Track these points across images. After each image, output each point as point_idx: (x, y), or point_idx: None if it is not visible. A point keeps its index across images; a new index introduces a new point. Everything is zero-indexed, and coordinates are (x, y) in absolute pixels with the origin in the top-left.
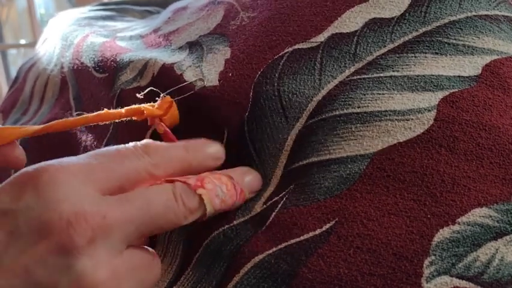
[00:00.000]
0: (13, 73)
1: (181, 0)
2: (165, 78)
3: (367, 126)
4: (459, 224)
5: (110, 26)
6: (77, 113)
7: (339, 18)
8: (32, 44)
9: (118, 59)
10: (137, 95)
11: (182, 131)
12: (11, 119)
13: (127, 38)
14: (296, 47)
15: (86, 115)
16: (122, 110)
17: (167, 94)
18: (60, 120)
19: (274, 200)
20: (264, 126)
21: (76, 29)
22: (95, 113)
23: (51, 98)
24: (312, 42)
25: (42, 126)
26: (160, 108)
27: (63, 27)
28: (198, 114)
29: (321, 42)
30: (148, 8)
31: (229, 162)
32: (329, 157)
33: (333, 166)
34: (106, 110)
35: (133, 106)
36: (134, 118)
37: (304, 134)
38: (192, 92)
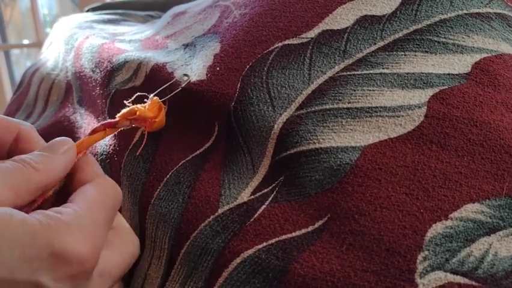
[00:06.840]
0: (16, 73)
1: (181, 5)
2: (157, 77)
3: (358, 122)
4: (452, 219)
5: (111, 29)
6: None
7: (330, 14)
8: (35, 44)
9: (114, 60)
10: (126, 102)
11: (176, 128)
12: None
13: (126, 41)
14: (286, 42)
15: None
16: (117, 117)
17: (157, 93)
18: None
19: (263, 191)
20: (250, 115)
21: (76, 32)
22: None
23: (56, 101)
24: (303, 38)
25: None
26: (151, 110)
27: (66, 31)
28: (189, 110)
29: (312, 38)
30: (150, 12)
31: (220, 154)
32: (318, 146)
33: (323, 156)
34: (101, 124)
35: (126, 109)
36: (125, 125)
37: (292, 123)
38: (179, 89)
